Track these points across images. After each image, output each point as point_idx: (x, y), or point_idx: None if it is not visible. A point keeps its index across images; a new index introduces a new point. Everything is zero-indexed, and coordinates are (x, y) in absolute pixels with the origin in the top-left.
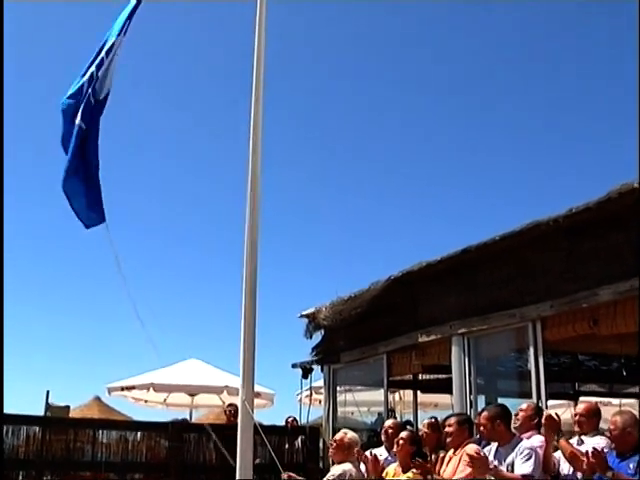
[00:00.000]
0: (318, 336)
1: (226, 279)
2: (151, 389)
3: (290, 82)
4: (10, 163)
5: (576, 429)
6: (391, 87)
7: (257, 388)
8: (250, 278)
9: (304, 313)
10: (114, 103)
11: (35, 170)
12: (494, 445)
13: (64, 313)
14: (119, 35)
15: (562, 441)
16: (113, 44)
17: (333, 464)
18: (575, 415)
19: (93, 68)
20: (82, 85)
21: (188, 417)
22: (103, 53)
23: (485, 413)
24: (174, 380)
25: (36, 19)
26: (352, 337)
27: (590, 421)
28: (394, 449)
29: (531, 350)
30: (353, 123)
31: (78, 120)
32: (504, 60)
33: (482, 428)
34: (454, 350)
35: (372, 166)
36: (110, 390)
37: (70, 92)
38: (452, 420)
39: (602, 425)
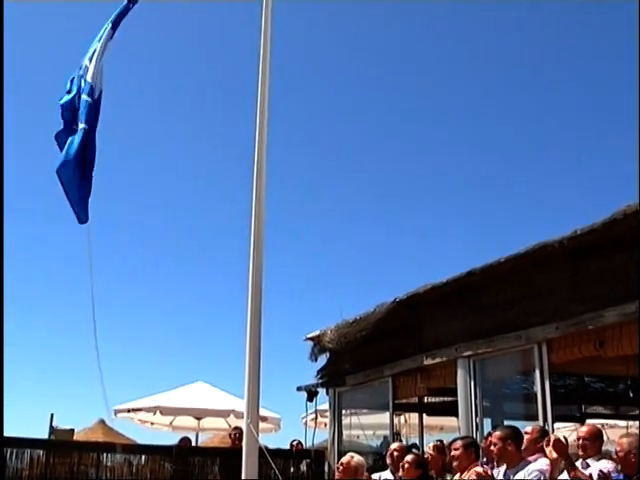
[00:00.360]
0: (323, 359)
1: (232, 301)
2: (157, 412)
3: (298, 103)
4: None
5: (580, 453)
6: (398, 110)
7: (263, 412)
8: (255, 300)
9: (309, 336)
10: (114, 115)
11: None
12: (502, 468)
13: (68, 336)
14: (110, 33)
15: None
16: (105, 44)
17: None
18: (578, 439)
19: (89, 65)
20: (80, 82)
21: (194, 440)
22: (97, 51)
23: (498, 433)
24: (180, 403)
25: (36, 19)
26: (357, 360)
27: (593, 444)
28: (400, 473)
29: (537, 372)
30: (359, 145)
31: (83, 124)
32: (501, 78)
33: (493, 447)
34: (460, 373)
35: (377, 189)
36: (116, 412)
37: (68, 87)
38: (458, 443)
39: (608, 447)
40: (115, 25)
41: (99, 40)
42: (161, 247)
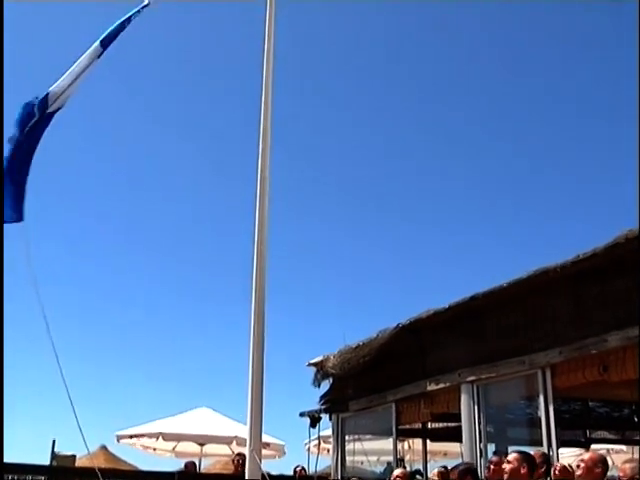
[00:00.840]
0: (326, 385)
1: (235, 327)
2: (160, 438)
3: (300, 121)
4: None
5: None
6: (405, 132)
7: (267, 438)
8: (258, 326)
9: (312, 361)
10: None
11: None
12: None
13: (71, 361)
14: (99, 51)
15: None
16: (88, 63)
17: None
18: (580, 466)
19: (60, 81)
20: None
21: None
22: (76, 68)
23: (515, 454)
24: (183, 429)
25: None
26: (360, 385)
27: (595, 471)
28: None
29: (541, 397)
30: (366, 169)
31: (15, 132)
32: (505, 100)
33: (507, 464)
34: (463, 398)
35: (381, 214)
36: (119, 438)
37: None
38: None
39: (614, 473)
40: (105, 44)
41: (81, 59)
42: (165, 272)
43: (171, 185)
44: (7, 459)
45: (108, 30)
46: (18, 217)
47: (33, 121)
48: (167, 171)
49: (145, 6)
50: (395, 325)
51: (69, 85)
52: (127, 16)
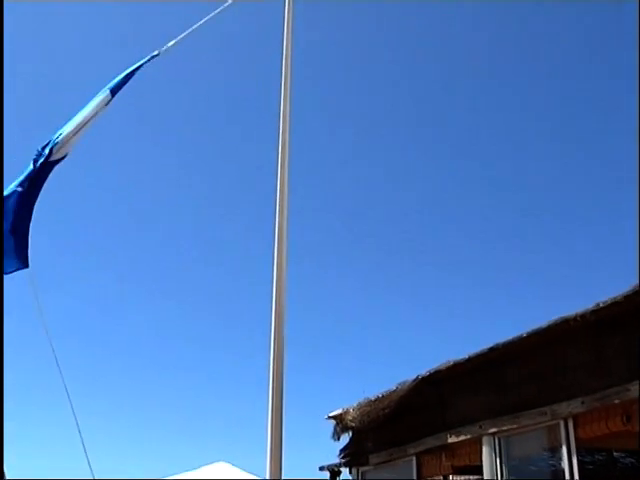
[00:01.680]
0: (346, 438)
1: (254, 380)
2: None
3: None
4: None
5: None
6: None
7: None
8: (276, 379)
9: (331, 414)
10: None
11: None
12: None
13: (86, 416)
14: (107, 99)
15: None
16: (96, 110)
17: None
18: None
19: (66, 128)
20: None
21: None
22: (84, 116)
23: None
24: None
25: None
26: (380, 438)
27: None
28: None
29: (564, 448)
30: (381, 214)
31: (18, 186)
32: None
33: None
34: (485, 450)
35: (398, 263)
36: None
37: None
38: None
39: None
40: (115, 92)
41: (89, 106)
42: (182, 324)
43: (185, 233)
44: None
45: (117, 78)
46: (23, 264)
47: (34, 170)
48: (178, 214)
49: (155, 56)
50: (414, 377)
51: (74, 134)
52: (137, 65)
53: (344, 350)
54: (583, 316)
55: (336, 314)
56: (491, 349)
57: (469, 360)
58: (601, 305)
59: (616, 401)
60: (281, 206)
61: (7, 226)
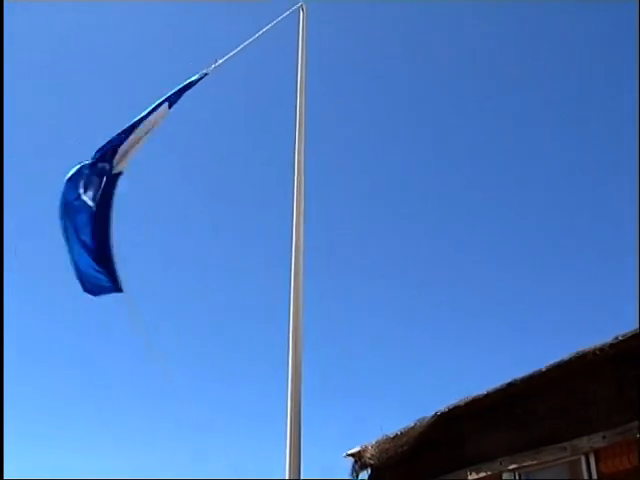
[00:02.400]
0: (364, 475)
1: (271, 417)
2: None
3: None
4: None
5: None
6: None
7: None
8: (294, 418)
9: (350, 452)
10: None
11: None
12: None
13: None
14: (164, 111)
15: None
16: (143, 120)
17: None
18: None
19: (124, 138)
20: (98, 156)
21: None
22: (139, 128)
23: None
24: None
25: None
26: (400, 476)
27: None
28: None
29: None
30: (394, 248)
31: (85, 197)
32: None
33: None
34: None
35: (417, 298)
36: None
37: (85, 162)
38: None
39: None
40: (172, 102)
41: (145, 116)
42: (201, 359)
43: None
44: None
45: (173, 91)
46: (116, 288)
47: (102, 185)
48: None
49: (205, 74)
50: (433, 413)
51: (131, 147)
52: (190, 80)
53: (362, 387)
54: (602, 349)
55: (354, 352)
56: (509, 384)
57: (488, 396)
58: (620, 338)
59: (638, 435)
60: (297, 246)
61: (84, 244)
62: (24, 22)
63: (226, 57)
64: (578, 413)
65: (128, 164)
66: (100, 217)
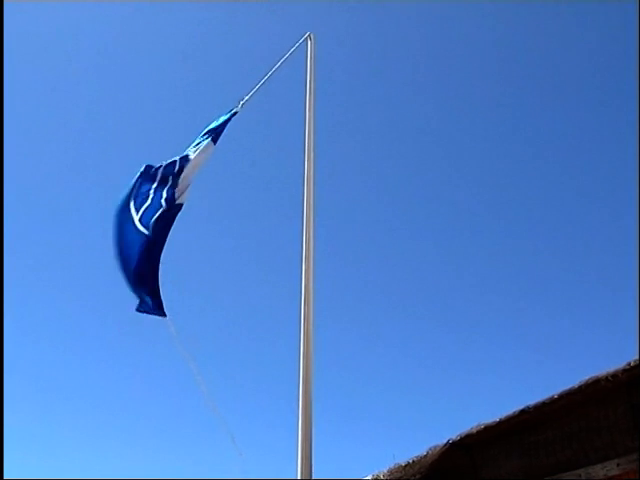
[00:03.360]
0: None
1: (281, 446)
2: None
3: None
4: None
5: None
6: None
7: None
8: (305, 446)
9: None
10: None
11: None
12: None
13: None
14: (209, 147)
15: None
16: (200, 159)
17: None
18: None
19: (185, 165)
20: (151, 186)
21: None
22: (192, 160)
23: None
24: None
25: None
26: None
27: None
28: None
29: None
30: (404, 278)
31: (141, 226)
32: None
33: None
34: None
35: (423, 324)
36: None
37: (133, 191)
38: None
39: None
40: (215, 138)
41: (196, 149)
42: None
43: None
44: None
45: (211, 126)
46: (160, 312)
47: (161, 210)
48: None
49: (235, 113)
50: (445, 441)
51: (186, 178)
52: (224, 119)
53: (373, 414)
54: (615, 375)
55: (364, 379)
56: (522, 411)
57: (500, 423)
58: (632, 364)
59: None
60: (307, 272)
61: (131, 267)
62: (24, 22)
63: (250, 94)
64: (592, 440)
65: (186, 200)
66: (154, 242)
